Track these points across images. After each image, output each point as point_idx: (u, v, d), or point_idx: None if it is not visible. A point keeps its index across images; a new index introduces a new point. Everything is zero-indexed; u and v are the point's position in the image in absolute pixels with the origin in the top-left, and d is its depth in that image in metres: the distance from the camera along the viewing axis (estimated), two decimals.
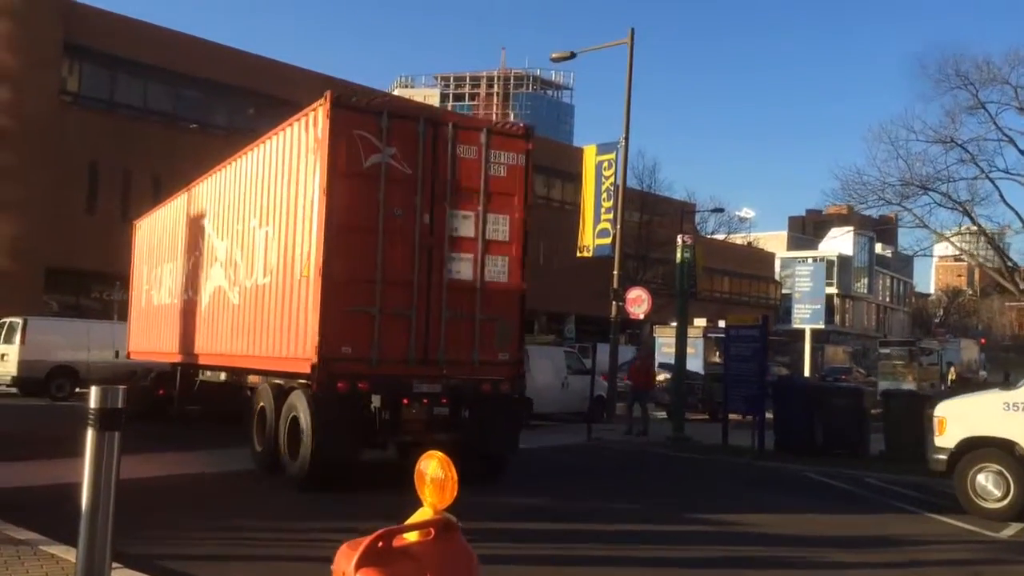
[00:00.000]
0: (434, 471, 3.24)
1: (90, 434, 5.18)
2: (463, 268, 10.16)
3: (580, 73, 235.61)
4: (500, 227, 10.41)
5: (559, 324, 51.00)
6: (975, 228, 30.57)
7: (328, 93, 9.79)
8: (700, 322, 32.25)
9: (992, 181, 28.81)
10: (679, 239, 17.13)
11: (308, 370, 9.45)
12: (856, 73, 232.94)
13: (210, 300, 13.31)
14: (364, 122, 9.73)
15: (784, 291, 79.50)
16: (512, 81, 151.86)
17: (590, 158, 22.97)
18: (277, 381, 10.81)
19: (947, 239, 31.58)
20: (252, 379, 12.23)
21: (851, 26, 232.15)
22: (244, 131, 35.94)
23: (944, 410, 10.37)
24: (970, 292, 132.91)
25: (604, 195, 22.38)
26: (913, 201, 29.93)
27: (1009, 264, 31.28)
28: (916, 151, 29.47)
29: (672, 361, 24.44)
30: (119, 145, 30.48)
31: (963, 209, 29.29)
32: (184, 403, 15.41)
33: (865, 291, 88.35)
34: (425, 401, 9.98)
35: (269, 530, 7.81)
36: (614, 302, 22.02)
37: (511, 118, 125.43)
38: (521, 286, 10.60)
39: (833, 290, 75.49)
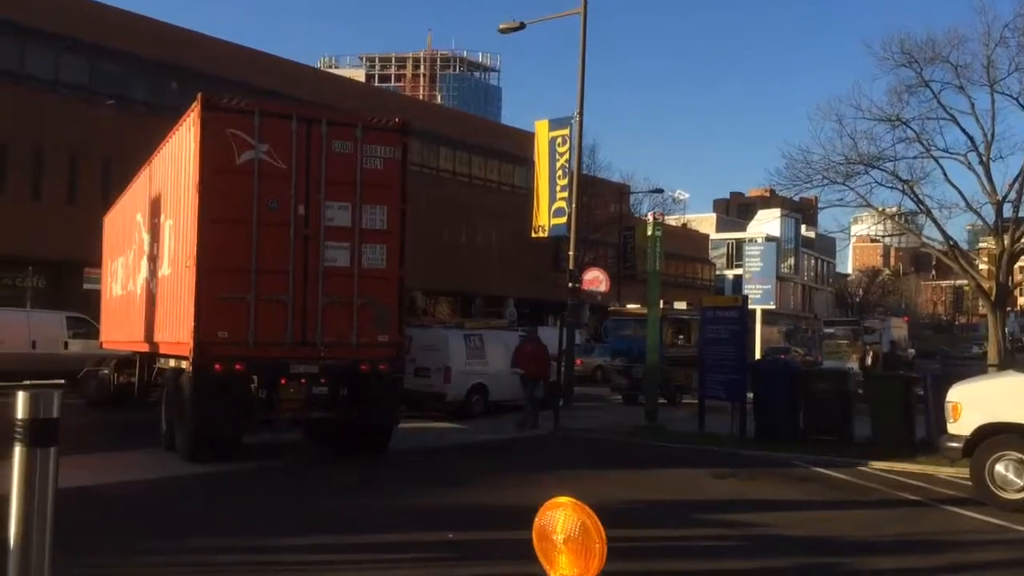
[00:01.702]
0: (568, 527, 2.17)
1: (18, 452, 4.14)
2: (340, 256, 10.86)
3: (506, 56, 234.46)
4: (378, 217, 11.13)
5: (497, 307, 50.10)
6: (911, 209, 30.65)
7: (200, 95, 10.55)
8: (679, 305, 31.61)
9: (936, 160, 28.77)
10: (649, 216, 16.30)
11: (188, 353, 10.24)
12: (796, 52, 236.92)
13: (141, 291, 14.05)
14: (238, 121, 10.48)
15: (726, 272, 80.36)
16: (439, 63, 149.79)
17: (543, 134, 21.88)
18: (175, 365, 11.55)
19: (891, 218, 31.56)
20: (162, 364, 12.93)
21: (794, 4, 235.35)
22: (167, 108, 33.94)
23: (959, 395, 9.71)
24: (887, 272, 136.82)
25: (559, 172, 21.34)
26: (854, 180, 29.81)
27: (951, 242, 31.37)
28: (862, 129, 29.27)
29: (626, 345, 23.90)
30: (28, 121, 28.27)
31: (907, 187, 29.19)
32: (145, 389, 15.56)
33: (792, 272, 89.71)
34: (303, 381, 10.74)
35: (232, 551, 6.68)
36: (570, 284, 21.09)
37: (438, 99, 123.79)
38: (399, 272, 11.30)
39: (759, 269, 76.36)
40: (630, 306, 24.39)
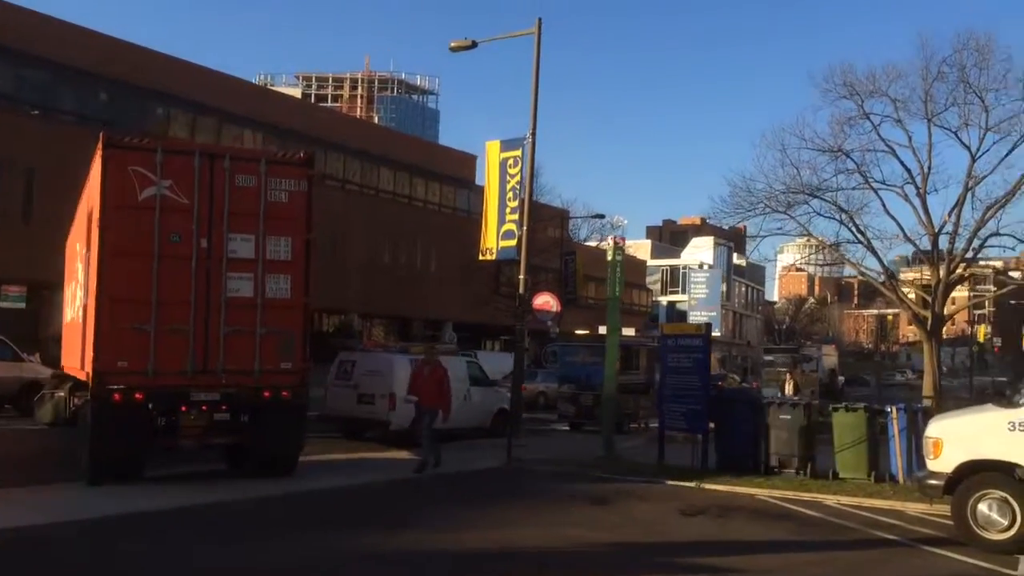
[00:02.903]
0: None
1: None
2: (243, 286, 11.13)
3: (445, 79, 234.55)
4: (282, 248, 11.38)
5: (435, 331, 49.28)
6: (848, 239, 30.94)
7: (101, 135, 10.90)
8: (601, 330, 31.29)
9: (876, 191, 29.18)
10: (610, 240, 15.84)
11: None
12: (733, 84, 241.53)
13: (78, 318, 13.80)
14: (140, 159, 10.76)
15: (660, 298, 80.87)
16: (376, 84, 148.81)
17: (493, 155, 21.38)
18: (85, 392, 11.46)
19: (831, 247, 31.84)
20: (80, 392, 12.77)
21: (731, 39, 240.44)
22: (96, 120, 32.58)
23: (939, 431, 9.40)
24: (813, 300, 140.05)
25: (509, 194, 20.83)
26: (795, 210, 30.06)
27: (889, 272, 31.83)
28: (805, 159, 29.56)
29: (576, 373, 23.44)
30: None
31: (847, 217, 29.52)
32: None
33: (724, 299, 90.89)
34: (204, 407, 11.02)
35: None
36: (519, 308, 20.52)
37: (375, 121, 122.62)
38: (304, 302, 11.53)
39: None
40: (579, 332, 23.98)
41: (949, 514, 10.05)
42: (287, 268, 11.38)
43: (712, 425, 13.89)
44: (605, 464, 14.24)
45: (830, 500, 11.70)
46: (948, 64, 27.43)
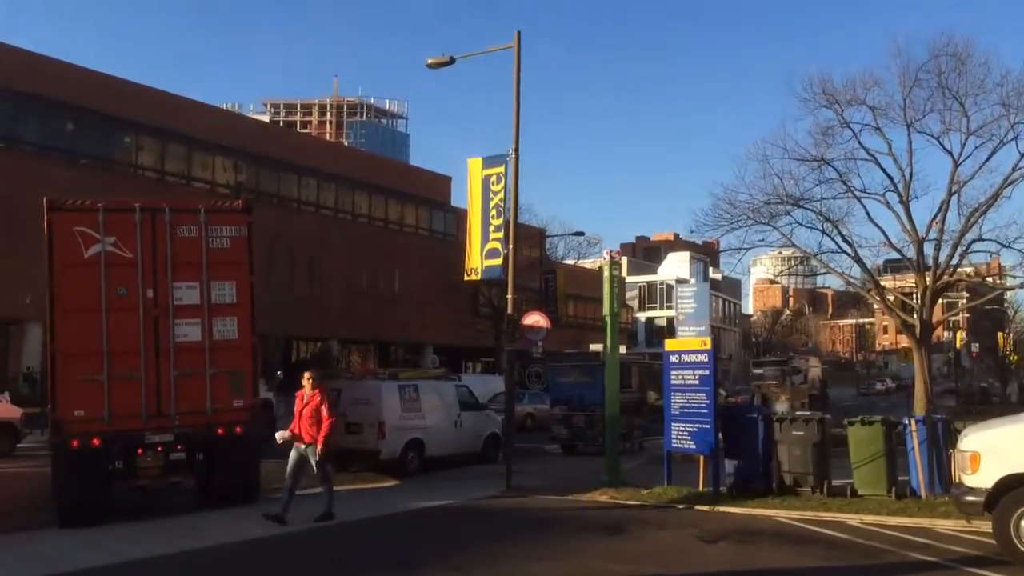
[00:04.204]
0: None
1: None
2: (191, 331, 11.69)
3: (412, 103, 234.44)
4: (227, 292, 11.94)
5: (415, 355, 48.47)
6: (831, 248, 30.66)
7: (45, 200, 11.46)
8: (596, 347, 30.74)
9: (860, 200, 28.92)
10: (605, 254, 15.25)
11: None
12: (713, 93, 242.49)
13: None
14: (83, 219, 11.35)
15: (638, 314, 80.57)
16: (345, 109, 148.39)
17: (476, 172, 20.73)
18: None
19: (815, 257, 31.52)
20: None
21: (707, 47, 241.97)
22: (60, 151, 31.67)
23: (976, 443, 8.85)
24: (789, 312, 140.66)
25: (493, 212, 20.14)
26: (777, 221, 29.73)
27: (875, 281, 31.55)
28: (786, 169, 29.25)
29: (568, 393, 22.77)
30: None
31: (831, 227, 29.20)
32: None
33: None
34: (160, 448, 11.46)
35: None
36: (508, 328, 19.84)
37: (345, 144, 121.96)
38: (251, 341, 12.09)
39: (673, 312, 76.90)
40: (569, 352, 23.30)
41: (983, 531, 9.59)
42: (233, 311, 11.94)
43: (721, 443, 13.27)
44: (611, 489, 13.56)
45: (853, 520, 11.11)
46: (925, 70, 27.29)
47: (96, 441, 11.04)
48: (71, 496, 11.08)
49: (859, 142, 28.82)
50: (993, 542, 8.93)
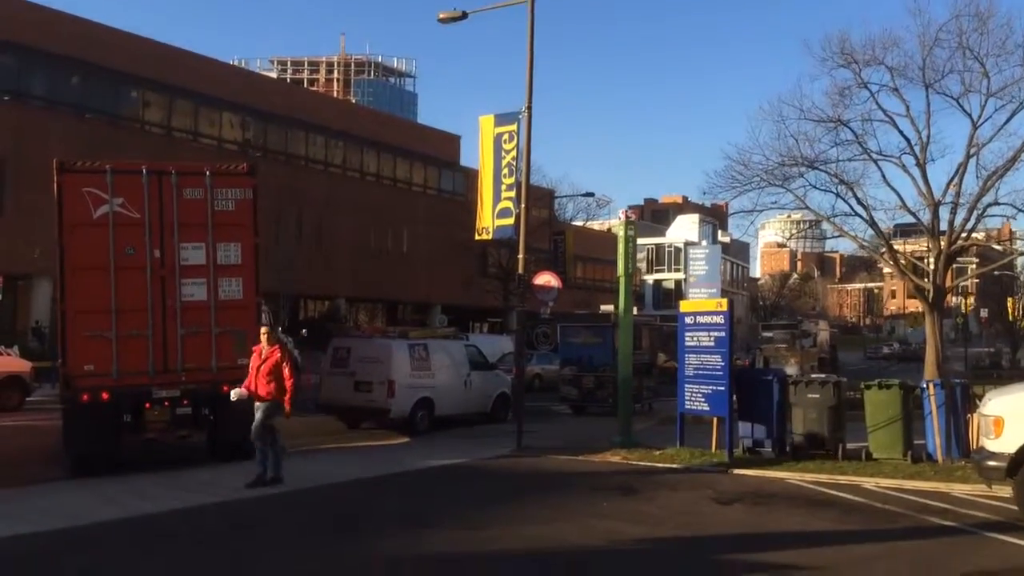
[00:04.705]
0: None
1: None
2: (197, 291, 12.03)
3: (421, 61, 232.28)
4: (232, 253, 12.25)
5: (423, 315, 48.43)
6: (845, 211, 30.30)
7: (55, 162, 11.62)
8: (607, 308, 30.58)
9: (876, 163, 28.49)
10: (621, 214, 15.04)
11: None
12: (715, 54, 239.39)
13: None
14: (91, 180, 11.63)
15: (645, 276, 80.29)
16: (353, 67, 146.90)
17: (487, 130, 20.38)
18: None
19: (828, 220, 31.17)
20: None
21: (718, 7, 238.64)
22: (66, 105, 31.38)
23: (1001, 408, 8.70)
24: (796, 276, 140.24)
25: (505, 171, 19.83)
26: (791, 183, 29.35)
27: (889, 243, 31.23)
28: (802, 131, 28.80)
29: (577, 354, 22.68)
30: None
31: (846, 189, 28.81)
32: None
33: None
34: (167, 403, 11.85)
35: None
36: (519, 289, 19.68)
37: (353, 102, 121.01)
38: (256, 300, 12.55)
39: (681, 275, 76.72)
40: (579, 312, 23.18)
41: (1001, 495, 9.49)
42: (237, 271, 12.25)
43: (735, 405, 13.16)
44: (624, 450, 13.50)
45: (868, 483, 11.02)
46: (946, 30, 26.69)
47: (105, 395, 11.38)
48: (82, 447, 11.56)
49: (876, 103, 28.28)
50: (1013, 507, 8.87)
